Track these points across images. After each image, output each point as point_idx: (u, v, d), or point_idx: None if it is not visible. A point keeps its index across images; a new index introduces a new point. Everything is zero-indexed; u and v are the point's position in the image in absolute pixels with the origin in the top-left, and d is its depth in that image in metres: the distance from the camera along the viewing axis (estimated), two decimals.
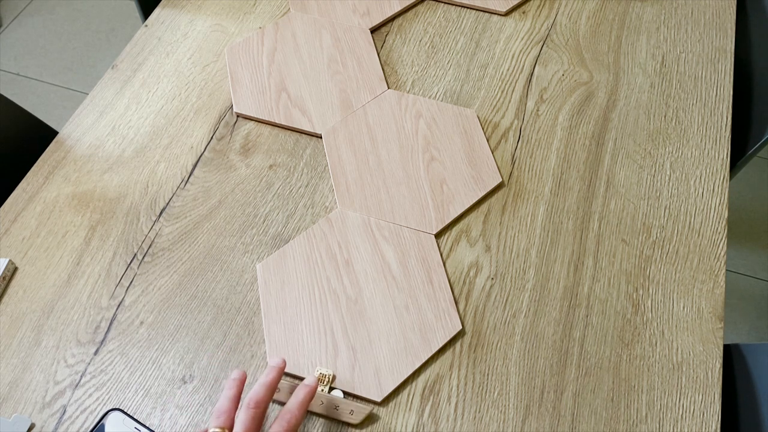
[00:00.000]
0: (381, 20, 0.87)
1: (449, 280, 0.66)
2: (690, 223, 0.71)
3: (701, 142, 0.77)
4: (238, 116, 0.79)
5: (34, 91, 1.80)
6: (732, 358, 0.68)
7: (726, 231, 0.70)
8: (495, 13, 0.89)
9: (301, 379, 0.60)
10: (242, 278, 0.67)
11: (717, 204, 0.72)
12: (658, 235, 0.70)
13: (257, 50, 0.84)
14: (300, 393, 0.54)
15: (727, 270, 0.68)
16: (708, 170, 0.75)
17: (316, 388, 0.56)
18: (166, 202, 0.72)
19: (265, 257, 0.68)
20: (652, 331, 0.64)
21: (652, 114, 0.79)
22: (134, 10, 1.96)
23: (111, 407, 0.59)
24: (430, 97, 0.81)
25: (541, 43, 0.86)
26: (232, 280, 0.67)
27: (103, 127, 0.78)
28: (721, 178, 0.74)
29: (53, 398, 0.59)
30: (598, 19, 0.89)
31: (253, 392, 0.52)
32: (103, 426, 0.57)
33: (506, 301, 0.65)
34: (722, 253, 0.68)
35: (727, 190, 0.73)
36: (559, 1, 0.91)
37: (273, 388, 0.54)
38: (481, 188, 0.72)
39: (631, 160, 0.75)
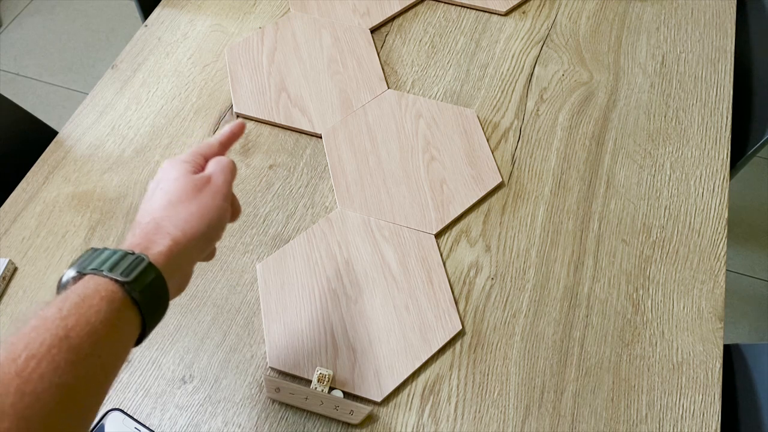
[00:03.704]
0: (381, 20, 0.87)
1: (449, 280, 0.66)
2: (690, 223, 0.71)
3: (701, 142, 0.77)
4: (238, 116, 0.79)
5: (34, 91, 1.80)
6: (732, 358, 0.68)
7: (726, 231, 0.70)
8: (495, 13, 0.89)
9: (302, 378, 0.60)
10: (242, 278, 0.67)
11: (717, 204, 0.72)
12: (658, 235, 0.70)
13: (257, 50, 0.84)
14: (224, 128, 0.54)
15: (727, 270, 0.68)
16: (708, 170, 0.75)
17: (243, 125, 0.55)
18: None
19: (265, 257, 0.68)
20: (652, 331, 0.64)
21: (652, 114, 0.79)
22: (134, 10, 1.96)
23: (111, 407, 0.59)
24: (430, 97, 0.81)
25: (541, 43, 0.86)
26: (232, 280, 0.67)
27: (103, 127, 0.78)
28: (721, 178, 0.74)
29: None
30: (598, 19, 0.89)
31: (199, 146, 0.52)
32: (102, 426, 0.57)
33: (506, 301, 0.65)
34: (722, 253, 0.68)
35: (727, 190, 0.73)
36: (559, 1, 0.91)
37: (221, 143, 0.53)
38: (481, 188, 0.72)
39: (631, 160, 0.75)
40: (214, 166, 0.49)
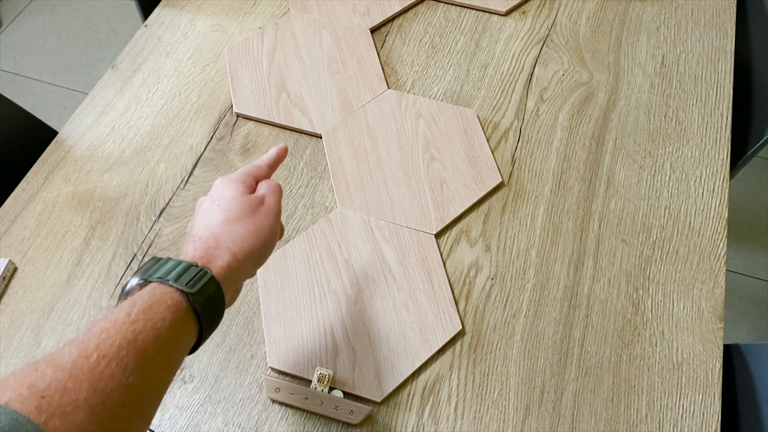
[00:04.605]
0: (381, 20, 0.87)
1: (449, 280, 0.66)
2: (690, 223, 0.71)
3: (701, 142, 0.77)
4: (238, 116, 0.79)
5: (34, 91, 1.80)
6: (732, 358, 0.68)
7: (726, 231, 0.70)
8: (495, 13, 0.89)
9: (302, 378, 0.60)
10: None
11: (717, 204, 0.72)
12: (658, 235, 0.70)
13: (257, 50, 0.84)
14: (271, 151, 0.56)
15: (727, 270, 0.68)
16: (708, 170, 0.75)
17: (285, 149, 0.57)
18: (166, 202, 0.72)
19: None
20: (652, 331, 0.64)
21: (652, 114, 0.79)
22: (134, 10, 1.96)
23: None
24: (430, 97, 0.81)
25: (541, 43, 0.86)
26: None
27: (103, 127, 0.78)
28: (721, 178, 0.74)
29: None
30: (598, 19, 0.89)
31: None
32: None
33: (506, 301, 0.65)
34: (722, 253, 0.68)
35: (727, 190, 0.73)
36: (559, 1, 0.91)
37: (269, 166, 0.55)
38: (481, 188, 0.72)
39: (631, 160, 0.75)
40: (265, 188, 0.52)
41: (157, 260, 0.43)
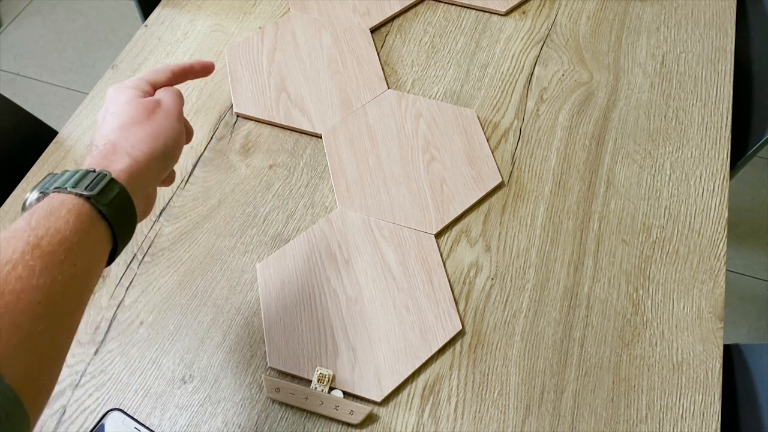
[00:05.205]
0: (381, 20, 0.87)
1: (449, 280, 0.66)
2: (690, 223, 0.71)
3: (701, 142, 0.77)
4: (238, 116, 0.79)
5: (34, 91, 1.80)
6: (732, 358, 0.68)
7: (726, 231, 0.70)
8: (495, 13, 0.89)
9: (302, 378, 0.60)
10: (242, 278, 0.67)
11: (717, 204, 0.72)
12: (658, 235, 0.70)
13: (257, 50, 0.84)
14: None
15: (727, 270, 0.68)
16: (708, 170, 0.75)
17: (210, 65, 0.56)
18: (166, 202, 0.72)
19: (265, 257, 0.68)
20: (652, 331, 0.64)
21: (652, 114, 0.79)
22: (134, 10, 1.96)
23: (111, 407, 0.59)
24: (430, 97, 0.81)
25: (541, 43, 0.86)
26: (232, 280, 0.67)
27: None
28: (721, 178, 0.74)
29: (53, 398, 0.59)
30: (598, 19, 0.89)
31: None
32: (102, 426, 0.57)
33: (506, 301, 0.65)
34: (722, 253, 0.68)
35: (727, 190, 0.73)
36: (559, 1, 0.91)
37: (175, 72, 0.54)
38: (481, 188, 0.72)
39: (631, 160, 0.75)
40: (162, 92, 0.51)
41: (53, 174, 0.42)
